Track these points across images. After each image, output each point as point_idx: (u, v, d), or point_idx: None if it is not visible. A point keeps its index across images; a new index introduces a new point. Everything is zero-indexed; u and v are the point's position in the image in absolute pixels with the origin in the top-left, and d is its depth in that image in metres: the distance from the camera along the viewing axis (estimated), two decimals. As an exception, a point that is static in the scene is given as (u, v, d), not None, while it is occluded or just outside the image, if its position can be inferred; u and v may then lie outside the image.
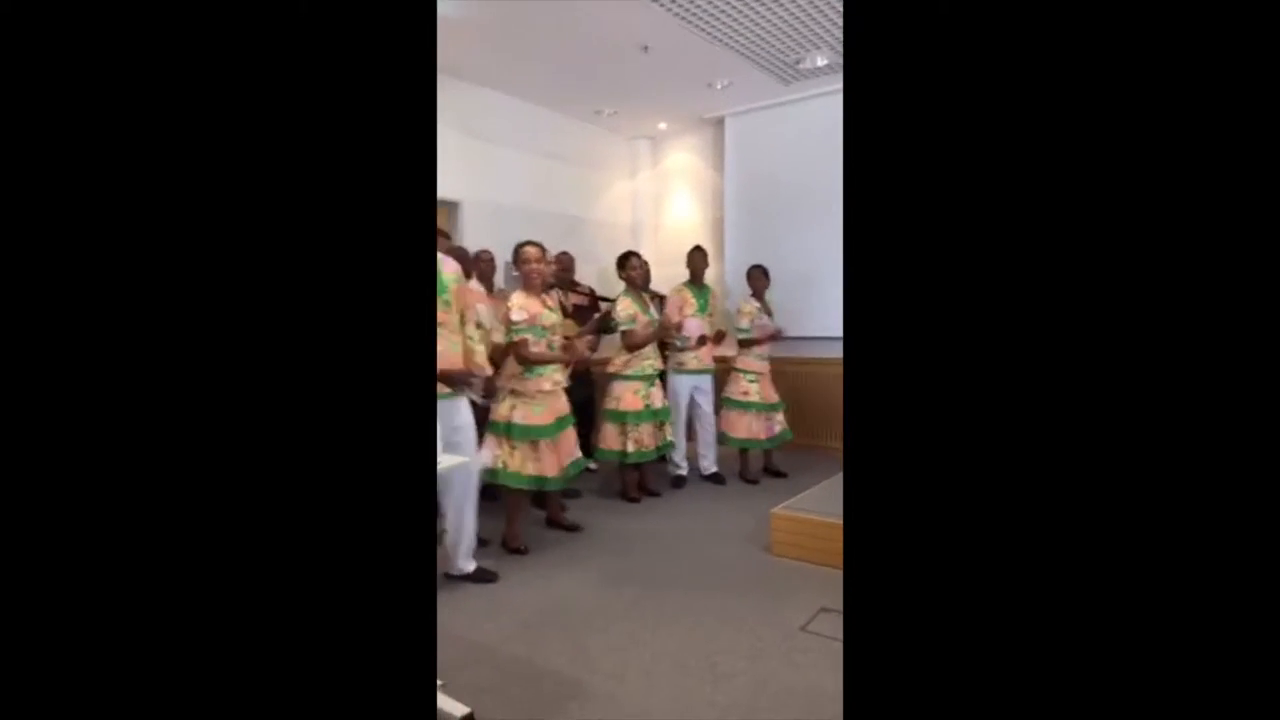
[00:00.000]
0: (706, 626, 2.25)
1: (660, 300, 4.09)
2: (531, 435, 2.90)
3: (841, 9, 3.48)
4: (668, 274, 4.59)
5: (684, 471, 4.05)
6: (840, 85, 4.22)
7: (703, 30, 3.73)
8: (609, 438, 3.64)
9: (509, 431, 2.89)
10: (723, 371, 4.14)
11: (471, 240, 4.15)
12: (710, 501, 3.73)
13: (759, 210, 5.11)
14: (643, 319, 3.62)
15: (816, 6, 3.54)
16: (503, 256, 3.96)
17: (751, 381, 4.04)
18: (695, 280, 3.98)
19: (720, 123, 5.31)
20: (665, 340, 3.87)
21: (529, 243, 3.02)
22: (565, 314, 3.60)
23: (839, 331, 3.87)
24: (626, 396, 3.61)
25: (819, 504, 2.97)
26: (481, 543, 2.76)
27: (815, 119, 4.68)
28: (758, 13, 3.58)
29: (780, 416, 4.12)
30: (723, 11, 3.54)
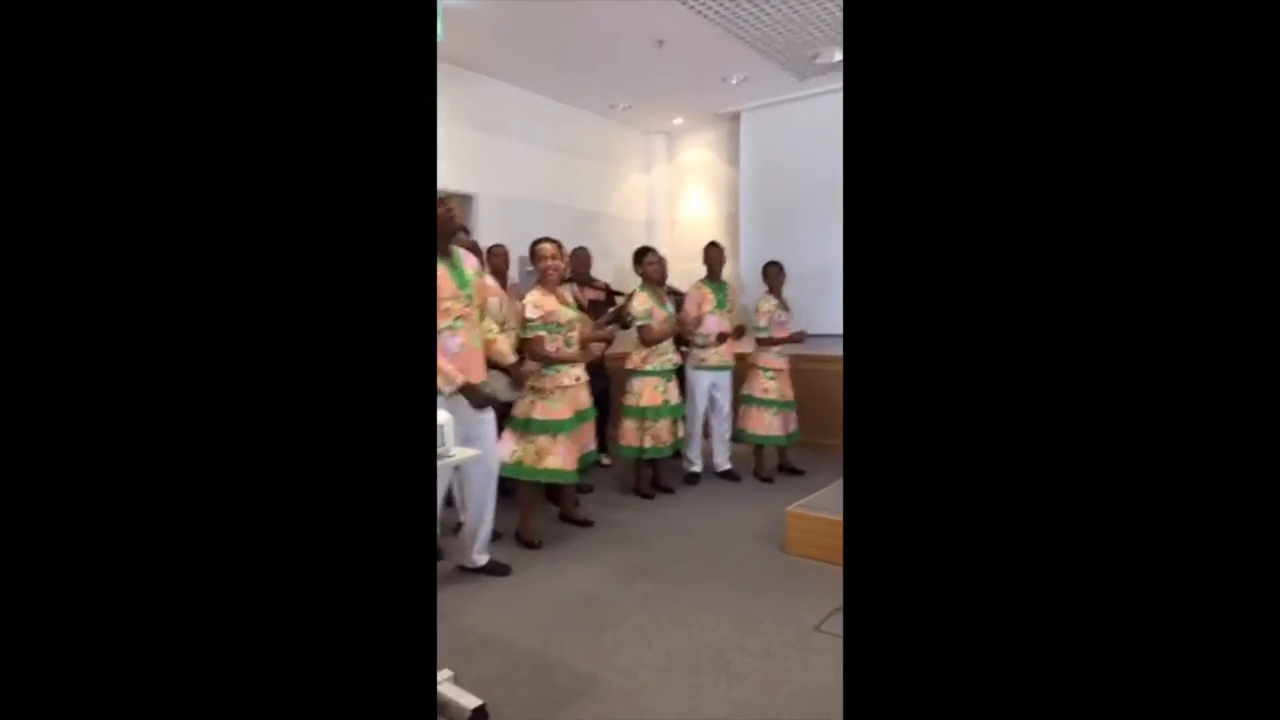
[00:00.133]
0: (719, 624, 2.25)
1: (678, 297, 4.06)
2: (550, 429, 2.90)
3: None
4: (683, 270, 4.56)
5: (699, 468, 4.03)
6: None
7: (717, 25, 3.71)
8: (628, 433, 3.63)
9: (528, 427, 2.89)
10: (741, 368, 4.11)
11: (486, 234, 4.15)
12: (725, 498, 3.72)
13: (774, 206, 5.08)
14: (659, 314, 3.61)
15: (832, 1, 3.50)
16: (517, 251, 3.96)
17: (771, 379, 4.02)
18: (712, 276, 3.95)
19: (735, 118, 5.28)
20: (684, 336, 3.85)
21: (545, 239, 3.02)
22: (580, 309, 3.59)
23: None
24: (647, 392, 3.60)
25: (835, 503, 2.94)
26: (495, 536, 2.76)
27: (830, 114, 4.60)
28: (773, 7, 3.55)
29: (794, 414, 4.10)
30: (738, 6, 3.52)
